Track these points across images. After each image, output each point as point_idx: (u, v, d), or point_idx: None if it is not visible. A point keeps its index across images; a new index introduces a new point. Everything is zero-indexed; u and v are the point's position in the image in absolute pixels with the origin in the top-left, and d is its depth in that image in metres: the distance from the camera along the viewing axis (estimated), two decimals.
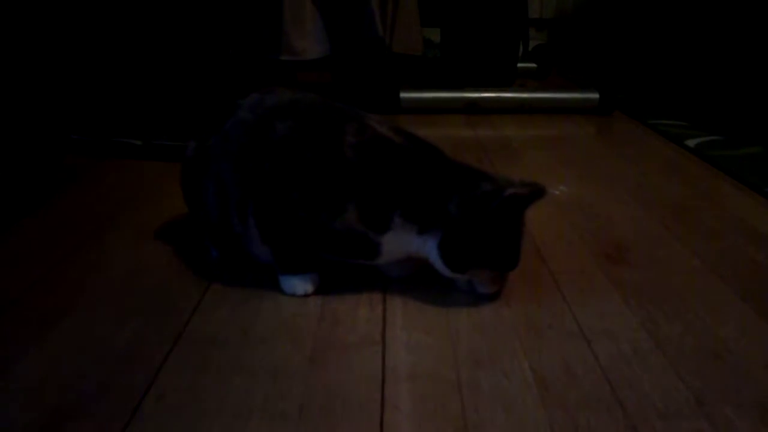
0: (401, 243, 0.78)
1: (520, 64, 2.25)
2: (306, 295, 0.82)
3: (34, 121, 1.14)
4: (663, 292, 0.85)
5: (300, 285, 0.82)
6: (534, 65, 2.48)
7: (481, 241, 0.75)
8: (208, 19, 1.61)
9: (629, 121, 1.89)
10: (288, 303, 0.81)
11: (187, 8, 1.58)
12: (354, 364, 0.69)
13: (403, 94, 1.91)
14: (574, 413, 0.61)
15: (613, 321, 0.77)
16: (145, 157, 1.42)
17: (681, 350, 0.72)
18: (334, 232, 0.77)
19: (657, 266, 0.93)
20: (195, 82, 1.63)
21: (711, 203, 1.20)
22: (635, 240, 1.01)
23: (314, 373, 0.67)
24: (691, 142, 1.59)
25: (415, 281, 0.84)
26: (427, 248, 0.77)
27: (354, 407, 0.62)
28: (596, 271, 0.90)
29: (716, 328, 0.76)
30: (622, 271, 0.91)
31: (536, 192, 0.77)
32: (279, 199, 0.78)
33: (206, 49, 1.63)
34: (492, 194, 0.75)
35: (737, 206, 1.18)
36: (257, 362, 0.69)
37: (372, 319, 0.77)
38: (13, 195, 1.08)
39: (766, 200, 1.20)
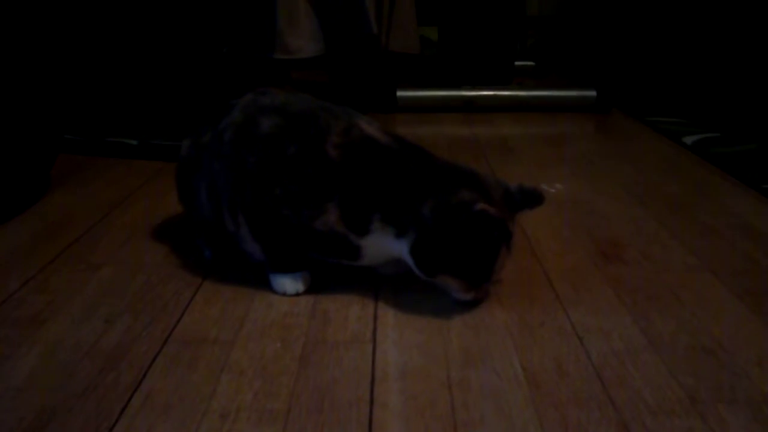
0: (381, 247, 0.77)
1: (517, 62, 2.25)
2: (297, 294, 0.81)
3: (28, 120, 1.14)
4: (657, 290, 0.84)
5: (290, 284, 0.81)
6: (532, 63, 2.47)
7: (450, 249, 0.74)
8: (203, 17, 1.61)
9: (627, 118, 1.88)
10: (279, 302, 0.81)
11: (182, 7, 1.57)
12: (344, 362, 0.68)
13: (400, 93, 1.90)
14: (565, 411, 0.61)
15: (606, 318, 0.77)
16: (139, 157, 1.42)
17: (674, 348, 0.71)
18: (316, 231, 0.77)
19: (652, 263, 0.92)
20: (189, 81, 1.62)
21: (708, 200, 1.19)
22: (631, 237, 1.01)
23: (304, 371, 0.67)
24: (688, 139, 1.59)
25: (408, 280, 0.83)
26: (404, 251, 0.76)
27: (343, 405, 0.61)
28: (590, 269, 0.90)
29: (710, 325, 0.76)
30: (617, 268, 0.90)
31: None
32: (263, 195, 0.78)
33: (200, 48, 1.63)
34: (465, 205, 0.72)
35: (734, 203, 1.17)
36: (247, 361, 0.68)
37: (363, 318, 0.77)
38: (6, 193, 1.08)
39: (763, 197, 1.20)
